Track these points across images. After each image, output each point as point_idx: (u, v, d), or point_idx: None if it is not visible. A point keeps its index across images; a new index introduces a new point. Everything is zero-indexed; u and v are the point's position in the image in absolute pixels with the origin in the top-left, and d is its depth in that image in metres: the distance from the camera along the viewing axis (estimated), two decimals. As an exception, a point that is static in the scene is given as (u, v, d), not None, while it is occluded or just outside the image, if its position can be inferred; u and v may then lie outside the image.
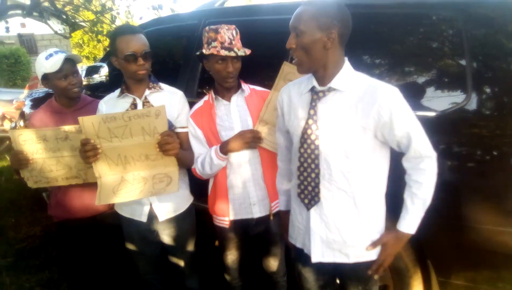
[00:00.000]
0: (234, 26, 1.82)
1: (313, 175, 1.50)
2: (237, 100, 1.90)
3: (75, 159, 1.85)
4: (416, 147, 1.40)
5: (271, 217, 1.94)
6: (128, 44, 1.74)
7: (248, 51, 1.80)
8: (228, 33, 1.77)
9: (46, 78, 1.97)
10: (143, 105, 1.85)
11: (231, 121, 1.87)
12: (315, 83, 1.48)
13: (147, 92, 1.86)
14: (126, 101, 1.86)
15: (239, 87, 1.90)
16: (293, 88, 1.60)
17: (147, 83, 1.88)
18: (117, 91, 1.91)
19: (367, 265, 1.53)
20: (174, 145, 1.66)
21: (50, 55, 1.95)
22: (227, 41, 1.76)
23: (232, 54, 1.74)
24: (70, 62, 1.97)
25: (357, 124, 1.39)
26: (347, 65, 1.45)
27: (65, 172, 1.90)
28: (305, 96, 1.52)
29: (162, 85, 1.93)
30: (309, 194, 1.52)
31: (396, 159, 1.50)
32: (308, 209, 1.53)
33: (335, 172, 1.45)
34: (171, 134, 1.67)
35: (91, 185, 1.91)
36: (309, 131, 1.47)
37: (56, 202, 2.11)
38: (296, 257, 1.72)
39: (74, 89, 2.00)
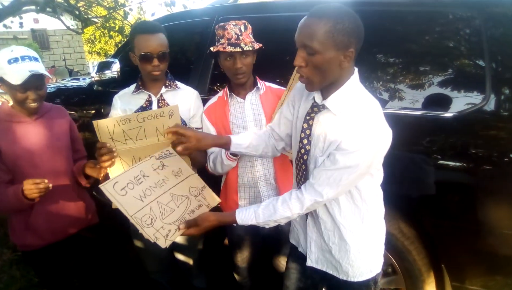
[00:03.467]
0: (244, 21, 1.78)
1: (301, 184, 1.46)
2: (252, 98, 1.87)
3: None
4: (316, 172, 1.26)
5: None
6: (145, 44, 1.72)
7: (257, 45, 1.76)
8: (236, 29, 1.74)
9: (2, 81, 1.66)
10: (158, 102, 1.84)
11: (244, 120, 1.85)
12: (316, 93, 1.32)
13: (163, 90, 1.85)
14: (141, 97, 1.85)
15: (254, 84, 1.88)
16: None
17: (164, 80, 1.86)
18: (132, 87, 1.90)
19: (357, 285, 1.41)
20: (187, 146, 1.64)
21: (15, 59, 1.62)
22: (234, 37, 1.74)
23: (238, 49, 1.70)
24: (36, 76, 1.64)
25: None
26: (351, 81, 1.25)
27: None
28: (308, 102, 1.38)
29: (178, 83, 1.91)
30: None
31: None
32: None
33: None
34: (184, 133, 1.64)
35: (71, 200, 1.82)
36: (300, 145, 1.38)
37: (25, 228, 1.78)
38: (289, 253, 1.69)
39: (32, 104, 1.70)
